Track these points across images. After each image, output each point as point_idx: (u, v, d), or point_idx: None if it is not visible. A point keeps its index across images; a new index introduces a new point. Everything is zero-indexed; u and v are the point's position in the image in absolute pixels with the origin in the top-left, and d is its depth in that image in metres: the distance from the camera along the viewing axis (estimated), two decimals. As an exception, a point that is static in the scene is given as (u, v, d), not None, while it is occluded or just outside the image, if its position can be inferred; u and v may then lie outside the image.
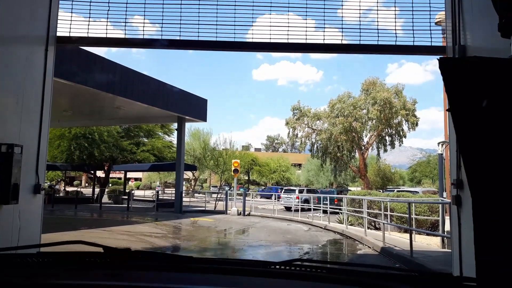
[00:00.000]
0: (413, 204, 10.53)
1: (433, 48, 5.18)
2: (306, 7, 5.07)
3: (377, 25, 5.11)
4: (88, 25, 5.11)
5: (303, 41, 5.06)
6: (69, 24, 5.11)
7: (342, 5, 5.20)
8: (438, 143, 10.02)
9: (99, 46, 5.04)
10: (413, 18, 5.15)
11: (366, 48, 5.16)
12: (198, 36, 5.05)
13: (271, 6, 5.08)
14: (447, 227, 9.69)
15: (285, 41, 5.07)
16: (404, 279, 1.24)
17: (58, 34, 5.04)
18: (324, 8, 5.09)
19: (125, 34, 5.12)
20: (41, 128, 4.79)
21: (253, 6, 5.02)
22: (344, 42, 5.19)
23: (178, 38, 5.07)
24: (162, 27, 5.07)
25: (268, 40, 5.04)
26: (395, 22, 5.15)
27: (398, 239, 10.10)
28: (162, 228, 13.22)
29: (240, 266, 1.37)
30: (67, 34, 5.11)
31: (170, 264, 1.36)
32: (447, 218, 9.85)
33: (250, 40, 5.07)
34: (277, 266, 1.27)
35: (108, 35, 5.11)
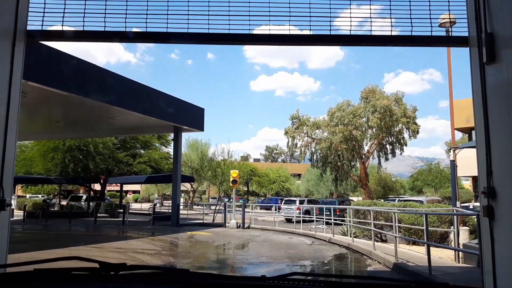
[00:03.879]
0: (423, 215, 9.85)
1: (454, 38, 4.58)
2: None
3: (390, 14, 4.52)
4: (63, 17, 4.51)
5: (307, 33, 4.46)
6: (41, 17, 4.50)
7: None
8: (450, 149, 9.39)
9: (76, 41, 4.44)
10: (430, 6, 4.57)
11: (378, 39, 4.55)
12: (188, 29, 4.45)
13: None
14: (462, 239, 9.02)
15: (286, 33, 4.47)
16: None
17: (29, 28, 4.44)
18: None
19: (104, 27, 4.50)
20: (6, 136, 4.14)
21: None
22: (353, 33, 4.58)
23: (165, 30, 4.46)
24: (147, 19, 4.46)
25: (267, 32, 4.44)
26: (410, 10, 4.56)
27: (410, 253, 9.40)
28: (157, 243, 12.48)
29: (237, 281, 1.35)
30: (39, 28, 4.50)
31: (166, 278, 1.35)
32: (461, 229, 9.18)
33: (247, 32, 4.46)
34: (275, 281, 1.25)
35: (86, 29, 4.50)
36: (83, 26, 4.49)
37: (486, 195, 4.01)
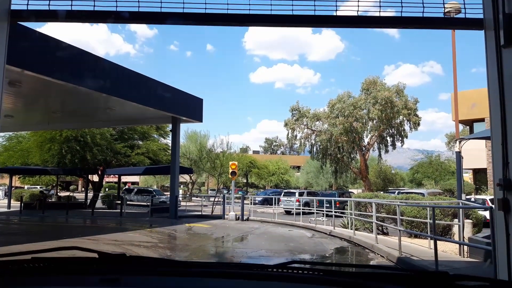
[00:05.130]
0: (430, 208, 9.63)
1: (468, 20, 4.29)
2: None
3: (400, -6, 4.21)
4: (50, -4, 4.19)
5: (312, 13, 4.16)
6: (26, -4, 4.19)
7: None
8: (456, 140, 9.13)
9: (65, 21, 4.12)
10: (442, -14, 4.28)
11: (388, 21, 4.28)
12: (184, 8, 4.15)
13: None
14: (465, 233, 8.80)
15: (290, 13, 4.17)
16: (400, 279, 1.23)
17: (12, 7, 4.13)
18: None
19: (94, 6, 4.20)
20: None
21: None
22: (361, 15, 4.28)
23: (159, 10, 4.16)
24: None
25: (269, 12, 4.14)
26: (422, -10, 4.25)
27: (412, 247, 9.18)
28: (154, 236, 12.25)
29: (237, 269, 1.36)
30: (24, 8, 4.19)
31: (166, 269, 1.34)
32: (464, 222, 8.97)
33: (247, 12, 4.16)
34: (274, 269, 1.26)
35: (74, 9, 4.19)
36: (71, 6, 4.20)
37: (502, 188, 3.77)
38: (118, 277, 1.23)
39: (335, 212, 14.68)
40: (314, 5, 4.16)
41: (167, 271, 1.31)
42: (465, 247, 8.28)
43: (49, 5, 4.20)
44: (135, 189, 31.18)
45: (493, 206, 5.18)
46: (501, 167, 3.81)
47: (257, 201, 27.57)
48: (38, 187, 43.24)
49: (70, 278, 1.26)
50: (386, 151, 31.63)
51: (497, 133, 3.88)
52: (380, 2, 4.16)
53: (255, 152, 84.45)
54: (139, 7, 4.17)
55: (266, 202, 26.22)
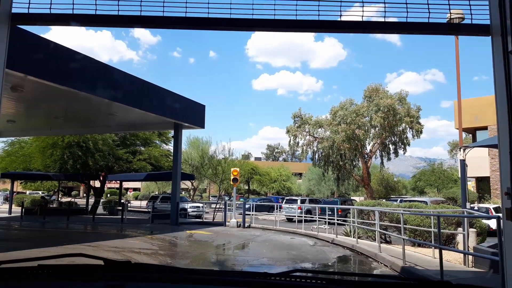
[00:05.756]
0: (436, 217, 9.51)
1: (474, 26, 4.23)
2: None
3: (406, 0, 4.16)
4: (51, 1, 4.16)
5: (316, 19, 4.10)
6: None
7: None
8: (460, 148, 9.03)
9: (66, 25, 4.08)
10: (448, -8, 4.22)
11: (393, 26, 4.21)
12: (186, 13, 4.11)
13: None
14: (469, 242, 8.67)
15: (293, 18, 4.12)
16: None
17: (14, 10, 4.09)
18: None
19: (95, 11, 4.16)
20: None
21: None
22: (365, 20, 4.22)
23: (161, 15, 4.12)
24: (141, 1, 4.12)
25: (272, 17, 4.09)
26: (427, -5, 4.20)
27: (416, 256, 9.04)
28: (154, 242, 12.13)
29: (240, 278, 1.37)
30: (25, 11, 4.15)
31: (170, 276, 1.35)
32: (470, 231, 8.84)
33: (250, 17, 4.11)
34: (277, 278, 1.24)
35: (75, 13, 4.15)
36: (73, 9, 4.15)
37: (510, 197, 3.68)
38: (123, 283, 1.25)
39: (338, 220, 14.54)
40: (318, 10, 4.12)
41: (171, 278, 1.32)
42: (470, 256, 8.14)
43: (50, 8, 4.17)
44: (160, 196, 30.46)
45: (500, 215, 5.08)
46: (509, 176, 3.72)
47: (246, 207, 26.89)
48: (40, 192, 43.21)
49: (76, 285, 1.27)
50: (389, 159, 31.51)
51: (505, 141, 3.80)
52: (385, 7, 4.11)
53: (257, 158, 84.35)
54: (141, 11, 4.13)
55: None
